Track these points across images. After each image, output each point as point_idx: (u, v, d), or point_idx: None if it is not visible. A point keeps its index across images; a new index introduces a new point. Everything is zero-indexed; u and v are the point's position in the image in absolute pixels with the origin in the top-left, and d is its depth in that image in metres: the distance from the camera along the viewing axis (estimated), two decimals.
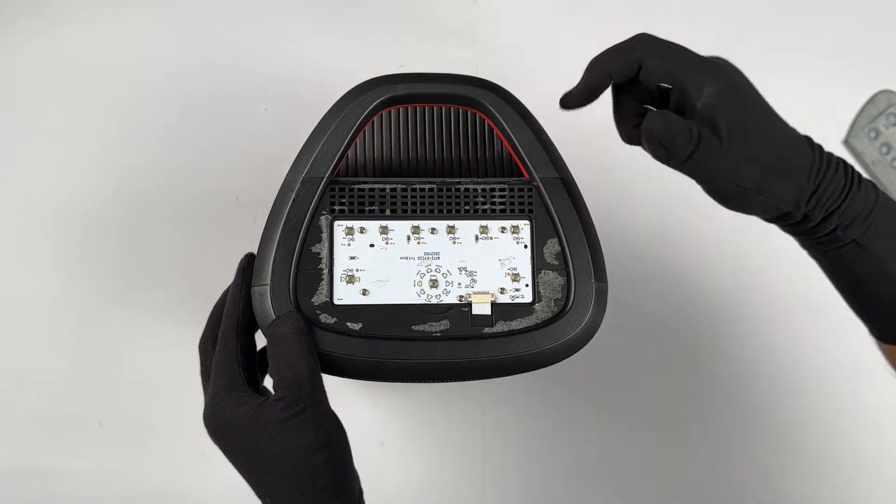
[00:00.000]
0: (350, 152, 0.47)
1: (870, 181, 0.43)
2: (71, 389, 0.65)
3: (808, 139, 0.43)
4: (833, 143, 0.77)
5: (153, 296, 0.66)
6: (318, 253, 0.45)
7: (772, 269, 0.72)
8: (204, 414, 0.43)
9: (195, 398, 0.67)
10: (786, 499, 0.70)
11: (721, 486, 0.69)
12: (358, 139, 0.47)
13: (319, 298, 0.45)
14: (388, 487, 0.65)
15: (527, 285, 0.46)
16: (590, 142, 0.71)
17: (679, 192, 0.74)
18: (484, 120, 0.48)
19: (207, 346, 0.46)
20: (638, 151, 0.74)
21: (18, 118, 0.70)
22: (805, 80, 0.76)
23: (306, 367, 0.41)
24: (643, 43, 0.42)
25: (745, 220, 0.74)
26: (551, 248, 0.46)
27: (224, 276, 0.66)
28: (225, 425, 0.43)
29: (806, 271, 0.71)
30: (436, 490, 0.69)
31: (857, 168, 0.44)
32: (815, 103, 0.75)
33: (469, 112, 0.48)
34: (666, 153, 0.41)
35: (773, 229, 0.75)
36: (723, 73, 0.41)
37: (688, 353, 0.73)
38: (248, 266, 0.45)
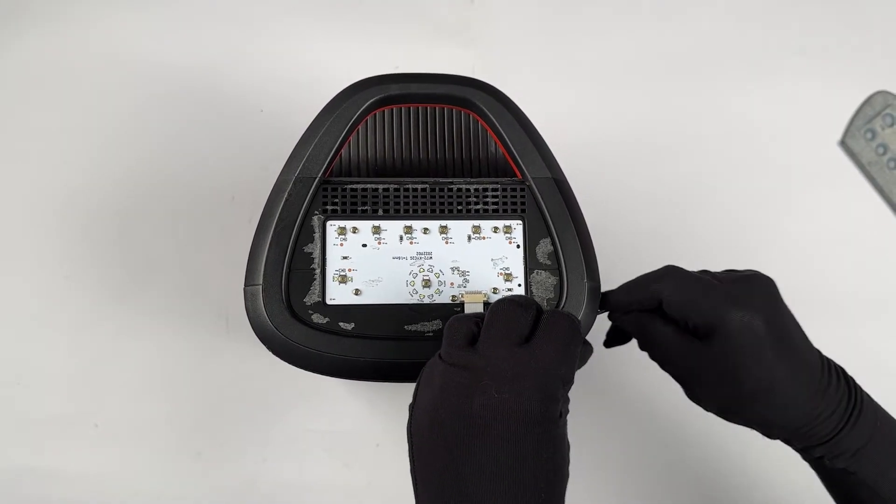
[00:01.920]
0: (343, 152, 0.47)
1: (871, 409, 0.42)
2: (66, 390, 0.64)
3: (830, 368, 0.43)
4: (830, 144, 0.76)
5: (149, 296, 0.66)
6: (311, 253, 0.45)
7: (770, 269, 0.71)
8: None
9: (191, 399, 0.67)
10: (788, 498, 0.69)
11: (722, 485, 0.69)
12: (351, 139, 0.47)
13: (312, 298, 0.45)
14: (384, 489, 0.65)
15: (519, 285, 0.46)
16: (583, 142, 0.71)
17: (673, 191, 0.75)
18: (477, 120, 0.48)
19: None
20: (633, 152, 0.75)
21: (15, 118, 0.70)
22: (802, 81, 0.76)
23: None
24: (668, 278, 0.43)
25: (741, 220, 0.75)
26: (544, 247, 0.46)
27: (221, 276, 0.66)
28: None
29: (805, 271, 0.71)
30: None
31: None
32: (812, 104, 0.76)
33: (462, 112, 0.48)
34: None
35: (764, 227, 0.76)
36: (735, 327, 0.41)
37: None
38: None
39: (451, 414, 0.35)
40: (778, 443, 0.44)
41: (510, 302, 0.38)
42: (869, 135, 0.74)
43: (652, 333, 0.44)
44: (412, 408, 0.38)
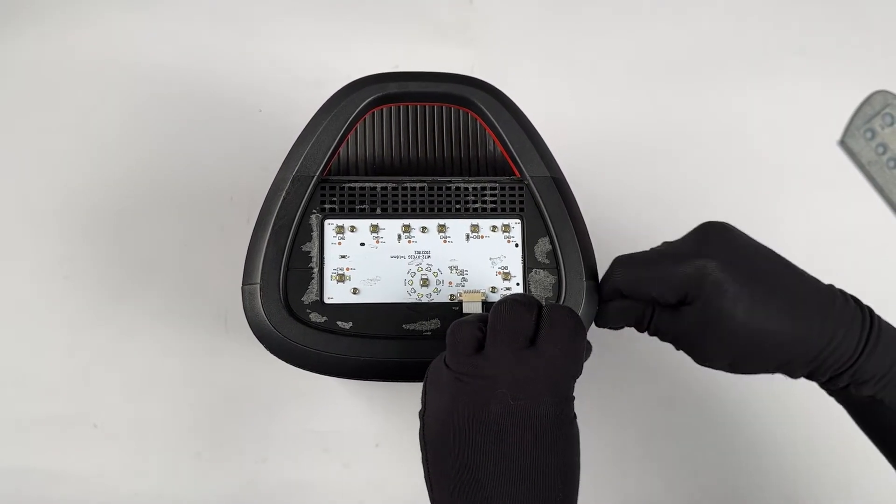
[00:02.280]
0: (341, 151, 0.47)
1: (894, 334, 0.40)
2: (65, 390, 0.64)
3: (831, 292, 0.41)
4: (829, 144, 0.76)
5: (148, 296, 0.66)
6: (309, 252, 0.45)
7: None
8: None
9: (190, 399, 0.67)
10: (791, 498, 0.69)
11: (722, 485, 0.68)
12: (349, 137, 0.47)
13: (310, 297, 0.44)
14: (384, 488, 0.65)
15: (518, 284, 0.46)
16: (582, 141, 0.71)
17: (672, 191, 0.74)
18: (475, 119, 0.48)
19: None
20: (632, 151, 0.75)
21: (14, 119, 0.70)
22: (801, 81, 0.76)
23: None
24: (616, 271, 0.44)
25: (741, 219, 0.75)
26: (542, 246, 0.46)
27: (220, 276, 0.66)
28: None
29: (806, 270, 0.71)
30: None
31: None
32: (812, 104, 0.76)
33: (460, 111, 0.48)
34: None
35: (763, 226, 0.76)
36: (703, 286, 0.40)
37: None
38: None
39: (467, 421, 0.36)
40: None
41: (513, 302, 0.38)
42: (868, 134, 0.74)
43: (638, 320, 0.44)
44: (423, 415, 0.38)
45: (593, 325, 0.46)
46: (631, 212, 0.70)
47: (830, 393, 0.43)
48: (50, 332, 0.65)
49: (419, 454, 0.63)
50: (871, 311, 0.41)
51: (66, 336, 0.65)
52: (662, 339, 0.44)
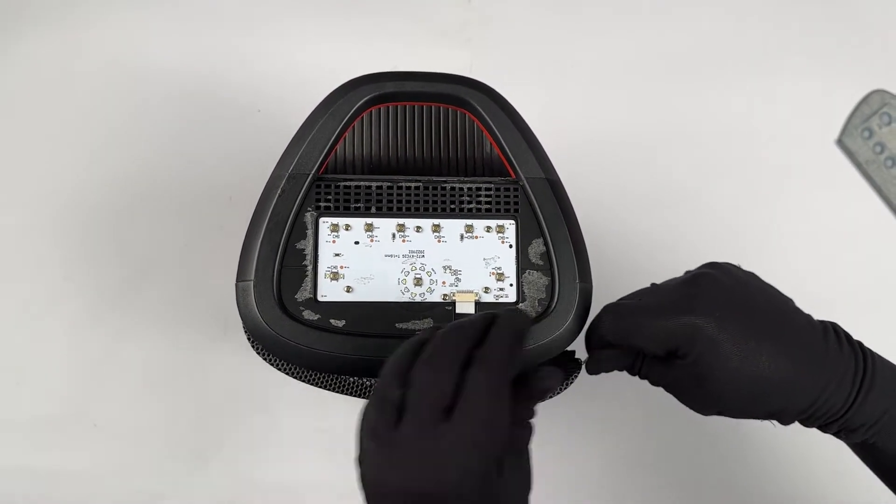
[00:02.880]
0: (337, 149, 0.47)
1: (888, 374, 0.40)
2: (65, 390, 0.64)
3: (825, 338, 0.40)
4: (828, 144, 0.76)
5: (147, 296, 0.66)
6: (303, 249, 0.45)
7: (769, 268, 0.71)
8: None
9: (190, 399, 0.67)
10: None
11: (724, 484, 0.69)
12: (345, 136, 0.47)
13: (303, 295, 0.45)
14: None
15: (511, 285, 0.46)
16: (580, 142, 0.71)
17: (671, 191, 0.74)
18: (471, 119, 0.48)
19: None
20: (631, 152, 0.74)
21: (14, 120, 0.69)
22: (800, 80, 0.76)
23: None
24: (603, 323, 0.43)
25: (740, 219, 0.75)
26: (536, 248, 0.46)
27: (218, 276, 0.66)
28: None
29: (803, 270, 0.71)
30: None
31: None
32: (810, 102, 0.76)
33: (457, 111, 0.48)
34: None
35: (762, 226, 0.75)
36: (696, 340, 0.40)
37: None
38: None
39: (394, 491, 0.34)
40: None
41: (428, 365, 0.35)
42: (866, 133, 0.74)
43: (629, 367, 0.44)
44: (359, 462, 0.36)
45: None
46: (629, 213, 0.70)
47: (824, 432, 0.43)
48: (50, 332, 0.65)
49: None
50: (866, 353, 0.40)
51: (67, 336, 0.65)
52: (653, 384, 0.44)
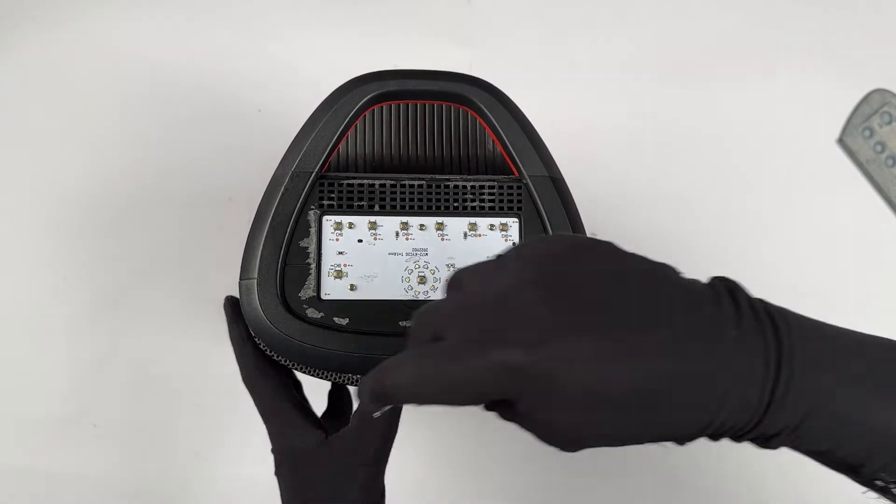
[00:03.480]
0: (340, 147, 0.47)
1: (809, 361, 0.27)
2: (65, 390, 0.64)
3: (717, 320, 0.27)
4: (828, 143, 0.76)
5: (147, 296, 0.66)
6: (307, 248, 0.45)
7: (769, 268, 0.72)
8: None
9: (189, 399, 0.67)
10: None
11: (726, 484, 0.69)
12: (348, 134, 0.47)
13: (307, 293, 0.45)
14: (385, 486, 0.65)
15: None
16: (581, 140, 0.71)
17: (671, 190, 0.75)
18: (474, 118, 0.48)
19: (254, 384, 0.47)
20: (631, 151, 0.75)
21: (13, 119, 0.69)
22: (800, 79, 0.76)
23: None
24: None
25: (740, 219, 0.75)
26: None
27: (218, 277, 0.66)
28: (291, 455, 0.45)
29: (803, 269, 0.71)
30: (431, 489, 0.69)
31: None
32: (810, 102, 0.76)
33: (459, 109, 0.48)
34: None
35: (763, 225, 0.76)
36: None
37: None
38: (235, 309, 0.46)
39: None
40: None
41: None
42: (867, 132, 0.74)
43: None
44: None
45: None
46: (629, 212, 0.71)
47: None
48: (50, 331, 0.65)
49: (421, 451, 0.63)
50: (777, 324, 0.28)
51: (67, 336, 0.65)
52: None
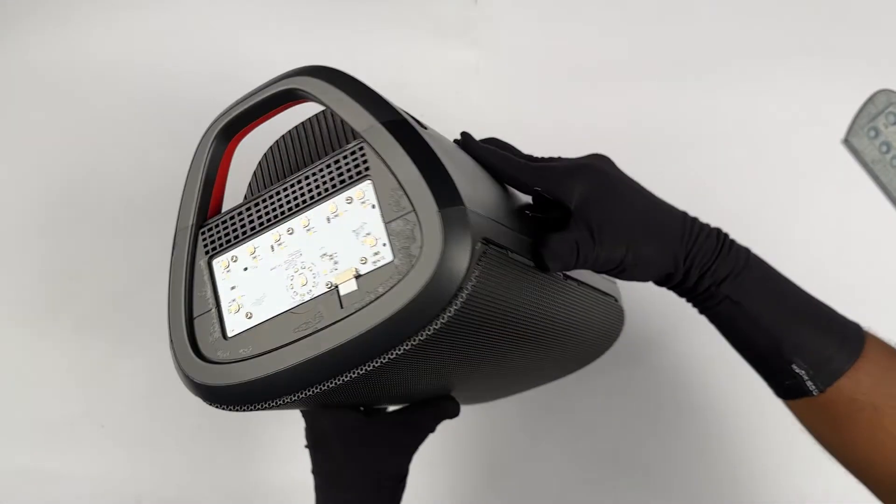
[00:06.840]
0: (216, 191, 0.49)
1: (742, 247, 0.47)
2: (72, 392, 0.66)
3: (683, 214, 0.47)
4: (833, 143, 0.74)
5: (152, 297, 0.66)
6: (204, 295, 0.46)
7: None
8: None
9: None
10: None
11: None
12: (220, 176, 0.49)
13: (213, 337, 0.45)
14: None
15: (384, 245, 0.41)
16: (586, 140, 0.67)
17: (673, 190, 0.63)
18: (315, 104, 0.46)
19: None
20: (634, 151, 0.69)
21: (9, 120, 0.74)
22: (805, 80, 0.74)
23: None
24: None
25: (742, 219, 0.63)
26: (394, 197, 0.41)
27: None
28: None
29: (808, 269, 0.59)
30: (432, 489, 0.66)
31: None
32: (815, 103, 0.74)
33: (298, 106, 0.47)
34: (561, 265, 0.46)
35: (769, 225, 0.69)
36: (587, 175, 0.46)
37: (681, 352, 0.72)
38: None
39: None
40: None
41: None
42: (872, 133, 0.74)
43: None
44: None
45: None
46: None
47: (698, 305, 0.48)
48: (58, 333, 0.67)
49: (422, 450, 0.59)
50: (722, 232, 0.47)
51: (75, 337, 0.67)
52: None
